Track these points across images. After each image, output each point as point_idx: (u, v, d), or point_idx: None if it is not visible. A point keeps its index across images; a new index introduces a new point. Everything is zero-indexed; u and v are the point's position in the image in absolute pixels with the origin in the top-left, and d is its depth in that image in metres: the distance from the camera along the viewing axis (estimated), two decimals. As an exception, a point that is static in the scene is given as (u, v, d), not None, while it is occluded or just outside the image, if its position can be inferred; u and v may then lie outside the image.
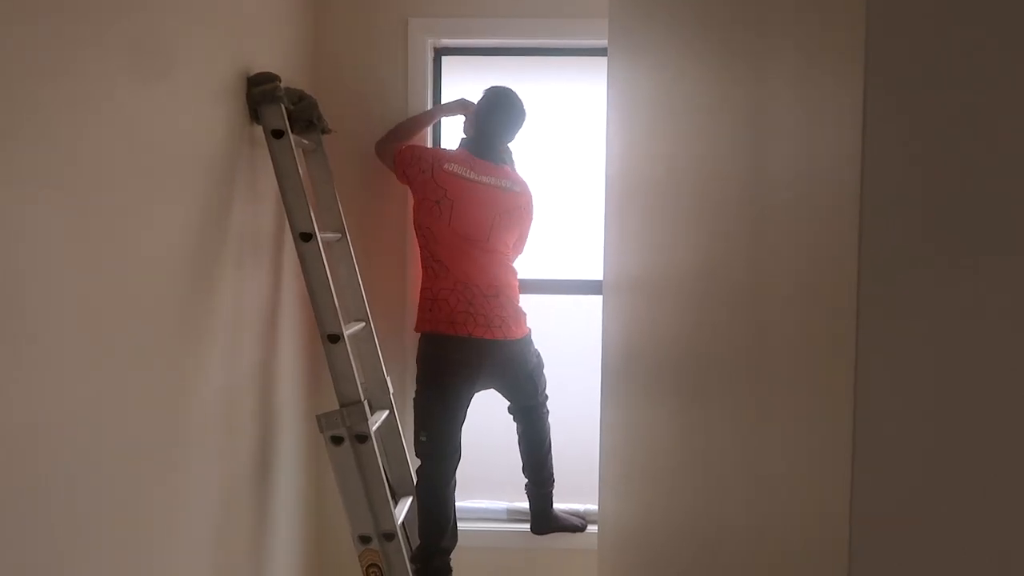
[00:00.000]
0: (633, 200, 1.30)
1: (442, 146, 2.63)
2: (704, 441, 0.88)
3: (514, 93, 2.40)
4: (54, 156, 1.09)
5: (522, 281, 2.45)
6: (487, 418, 2.51)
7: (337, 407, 1.95)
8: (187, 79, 1.55)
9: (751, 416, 0.71)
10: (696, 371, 0.91)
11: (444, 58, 2.60)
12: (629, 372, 1.35)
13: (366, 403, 1.97)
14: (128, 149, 1.29)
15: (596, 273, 2.62)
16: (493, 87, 2.42)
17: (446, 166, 2.29)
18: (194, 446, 1.60)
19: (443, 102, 2.55)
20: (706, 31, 0.87)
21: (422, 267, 2.35)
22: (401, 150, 2.34)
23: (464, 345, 2.24)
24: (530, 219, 2.47)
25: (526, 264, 2.51)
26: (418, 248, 2.36)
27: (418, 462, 2.29)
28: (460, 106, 2.47)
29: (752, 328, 0.72)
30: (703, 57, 0.88)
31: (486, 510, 2.69)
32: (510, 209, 2.37)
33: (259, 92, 1.84)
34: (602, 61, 2.56)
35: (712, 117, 0.84)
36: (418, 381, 2.31)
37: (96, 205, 1.20)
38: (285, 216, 2.18)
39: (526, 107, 2.40)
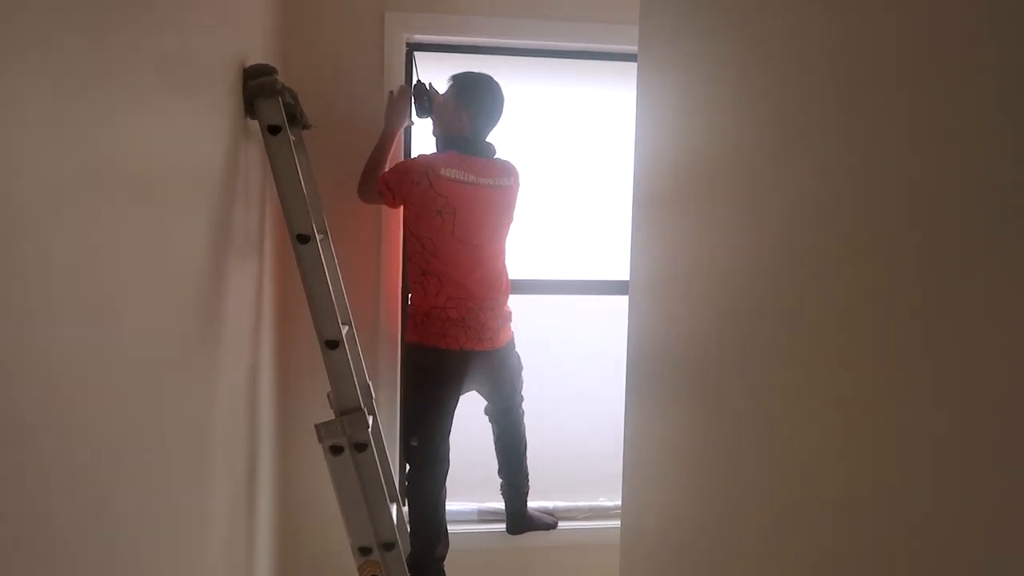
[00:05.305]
0: (680, 200, 1.32)
1: (413, 152, 2.56)
2: (748, 437, 0.93)
3: (493, 79, 2.32)
4: (65, 161, 0.98)
5: (516, 282, 2.44)
6: (456, 421, 2.48)
7: (327, 416, 1.87)
8: (182, 73, 1.42)
9: (817, 415, 0.76)
10: (759, 368, 0.93)
11: (417, 54, 2.54)
12: (671, 369, 1.38)
13: (365, 410, 1.90)
14: (134, 152, 1.17)
15: (584, 273, 2.67)
16: (470, 74, 2.30)
17: (443, 172, 2.19)
18: (217, 445, 1.55)
19: (386, 113, 2.37)
20: (772, 26, 0.87)
21: (412, 282, 2.26)
22: (383, 176, 2.23)
23: (455, 356, 2.21)
24: (515, 203, 2.39)
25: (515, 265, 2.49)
26: (405, 259, 2.26)
27: (406, 468, 2.24)
28: (403, 96, 2.36)
29: (805, 331, 0.77)
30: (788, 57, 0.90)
31: (457, 512, 2.67)
32: (507, 206, 2.33)
33: (256, 85, 1.74)
34: (576, 64, 2.60)
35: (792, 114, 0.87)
36: (407, 387, 2.26)
37: (113, 213, 1.09)
38: (268, 215, 2.08)
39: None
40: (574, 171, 2.69)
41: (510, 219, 2.35)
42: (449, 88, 2.33)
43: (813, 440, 0.77)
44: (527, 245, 2.60)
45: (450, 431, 2.26)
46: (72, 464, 0.85)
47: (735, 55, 1.00)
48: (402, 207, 2.25)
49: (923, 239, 0.57)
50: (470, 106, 2.27)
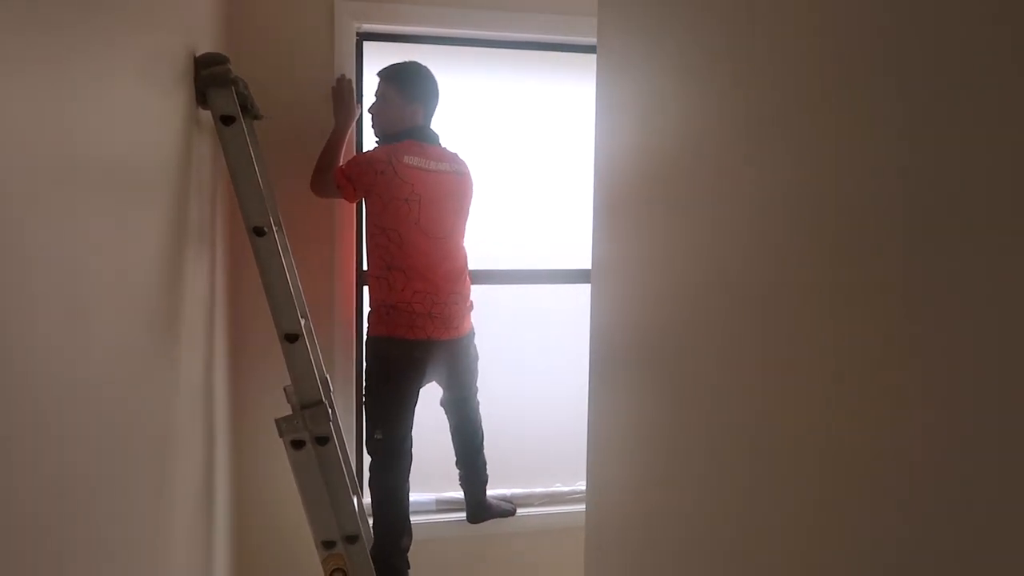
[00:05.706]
0: (644, 189, 1.35)
1: (365, 139, 2.53)
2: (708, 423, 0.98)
3: (423, 65, 2.30)
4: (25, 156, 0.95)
5: (474, 272, 2.45)
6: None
7: (281, 409, 1.86)
8: (132, 62, 1.37)
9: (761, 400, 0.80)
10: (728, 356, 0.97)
11: (367, 43, 2.51)
12: (633, 352, 1.41)
13: (326, 403, 1.89)
14: (88, 144, 1.14)
15: (542, 262, 2.69)
16: (403, 66, 2.27)
17: (405, 159, 2.16)
18: (179, 440, 1.53)
19: (335, 111, 2.34)
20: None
21: (374, 276, 2.21)
22: (341, 169, 2.18)
23: (422, 345, 2.20)
24: (472, 194, 2.39)
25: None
26: (367, 252, 2.21)
27: (368, 460, 2.23)
28: (349, 90, 2.32)
29: (759, 317, 0.81)
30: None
31: (416, 502, 2.66)
32: (465, 193, 2.32)
33: (208, 74, 1.70)
34: (532, 55, 2.61)
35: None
36: (371, 379, 2.23)
37: (77, 208, 1.06)
38: (219, 207, 2.04)
39: None
40: (531, 161, 2.70)
41: (467, 210, 2.35)
42: (387, 85, 2.27)
43: (754, 407, 0.81)
44: (485, 235, 2.61)
45: (413, 423, 2.26)
46: (46, 464, 0.83)
47: (701, 47, 1.03)
48: (364, 200, 2.22)
49: (900, 234, 0.59)
50: (419, 98, 2.26)
